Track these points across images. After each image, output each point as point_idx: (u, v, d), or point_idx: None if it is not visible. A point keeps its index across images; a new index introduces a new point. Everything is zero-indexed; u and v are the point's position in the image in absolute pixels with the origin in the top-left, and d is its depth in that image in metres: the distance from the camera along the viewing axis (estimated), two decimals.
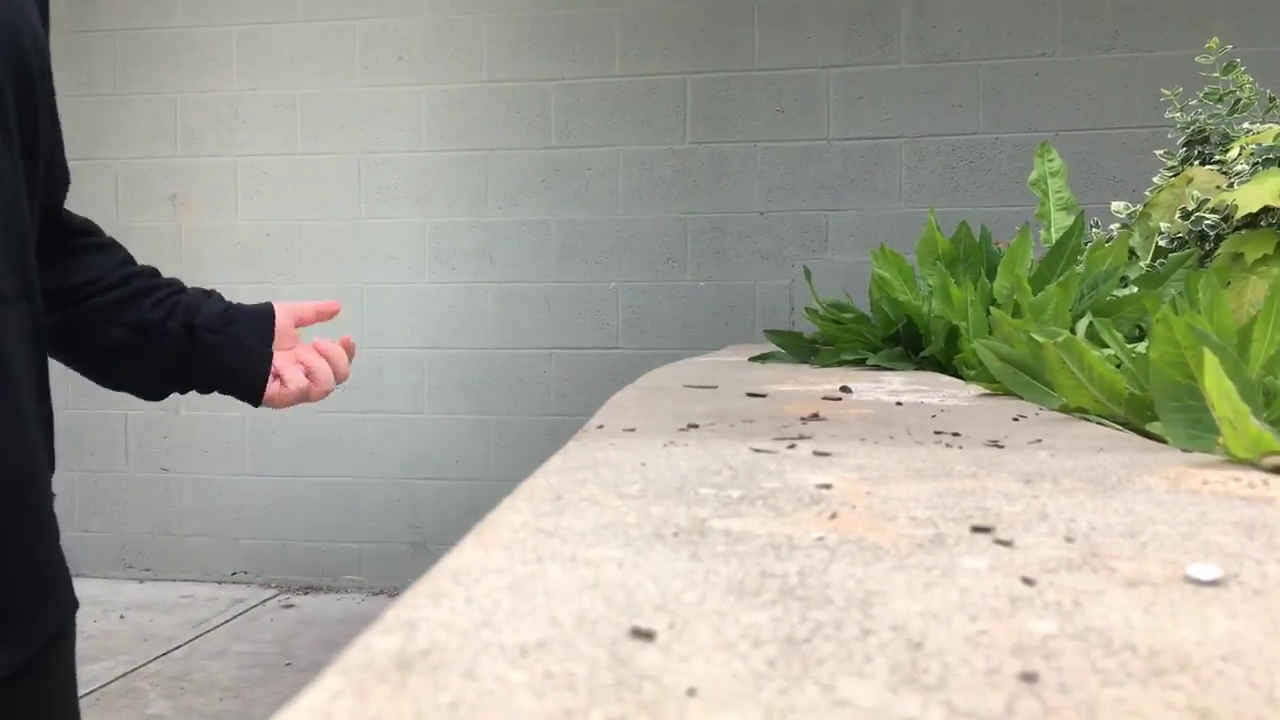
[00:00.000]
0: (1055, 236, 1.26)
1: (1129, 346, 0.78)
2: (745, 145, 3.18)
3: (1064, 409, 0.71)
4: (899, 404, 0.78)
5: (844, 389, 0.99)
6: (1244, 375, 0.52)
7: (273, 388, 0.94)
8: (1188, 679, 0.21)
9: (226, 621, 3.03)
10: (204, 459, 3.34)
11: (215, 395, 0.95)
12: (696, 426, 0.61)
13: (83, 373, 0.92)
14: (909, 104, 3.10)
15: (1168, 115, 1.45)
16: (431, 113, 3.31)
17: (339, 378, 0.99)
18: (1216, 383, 0.46)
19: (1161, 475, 0.45)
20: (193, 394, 0.95)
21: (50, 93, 0.79)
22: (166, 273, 0.95)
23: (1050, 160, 1.33)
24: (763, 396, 0.82)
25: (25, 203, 0.74)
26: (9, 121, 0.71)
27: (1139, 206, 1.38)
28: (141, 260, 0.94)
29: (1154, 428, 0.59)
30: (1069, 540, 0.33)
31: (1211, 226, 1.20)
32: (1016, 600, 0.26)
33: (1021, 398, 0.77)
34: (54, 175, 0.83)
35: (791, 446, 0.53)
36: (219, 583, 3.41)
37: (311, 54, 3.35)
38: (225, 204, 3.40)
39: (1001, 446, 0.54)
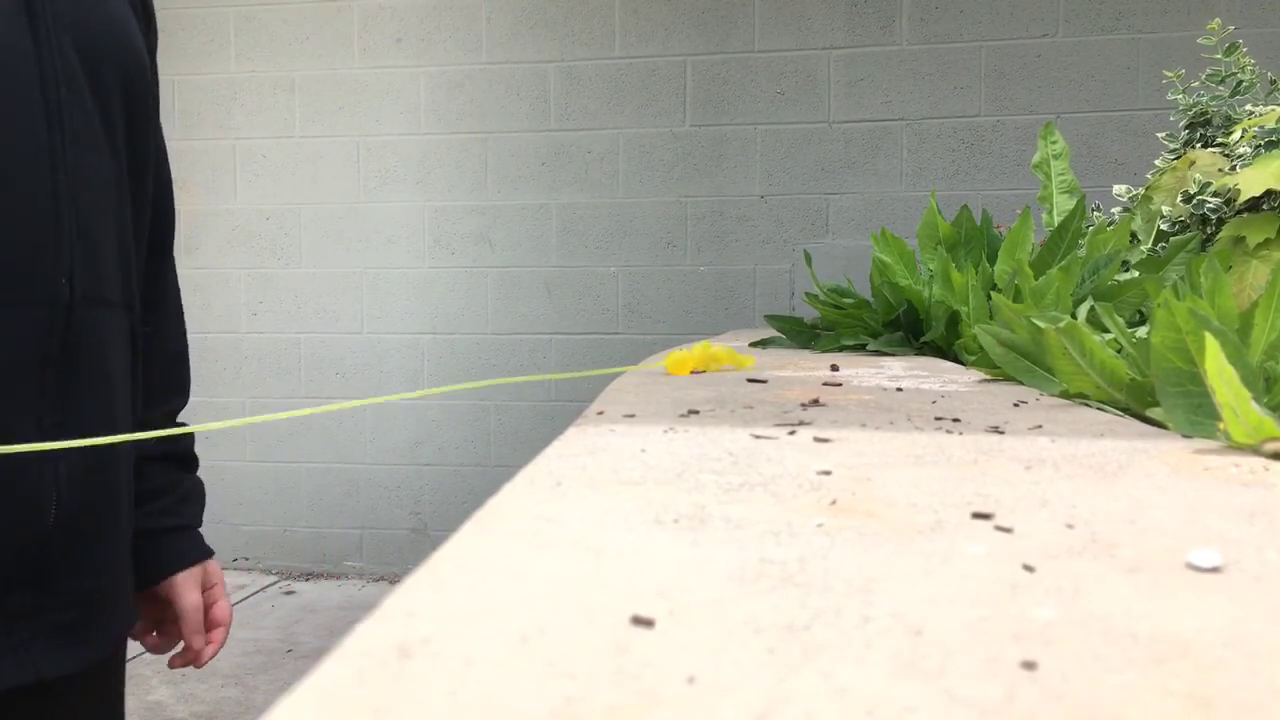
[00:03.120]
0: (1057, 220, 1.25)
1: (1130, 331, 0.78)
2: (745, 128, 3.16)
3: (1065, 394, 0.70)
4: (899, 390, 0.78)
5: (833, 368, 0.99)
6: (1245, 360, 0.52)
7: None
8: (1188, 666, 0.21)
9: None
10: (204, 445, 3.35)
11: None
12: (697, 412, 0.61)
13: None
14: (910, 86, 3.09)
15: (1170, 97, 1.44)
16: (430, 95, 3.30)
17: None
18: (1218, 368, 0.46)
19: (1162, 461, 0.45)
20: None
21: (156, 115, 0.87)
22: None
23: (1054, 142, 1.33)
24: (763, 382, 0.82)
25: (131, 218, 0.81)
26: (117, 141, 0.78)
27: (1141, 190, 1.38)
28: None
29: (1155, 413, 0.59)
30: (1069, 526, 0.33)
31: (1213, 210, 1.20)
32: (1016, 587, 0.26)
33: (1022, 383, 0.77)
34: (160, 206, 0.90)
35: (792, 433, 0.53)
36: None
37: (310, 35, 3.34)
38: (223, 187, 3.38)
39: (1002, 432, 0.54)
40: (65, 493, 0.72)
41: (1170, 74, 1.48)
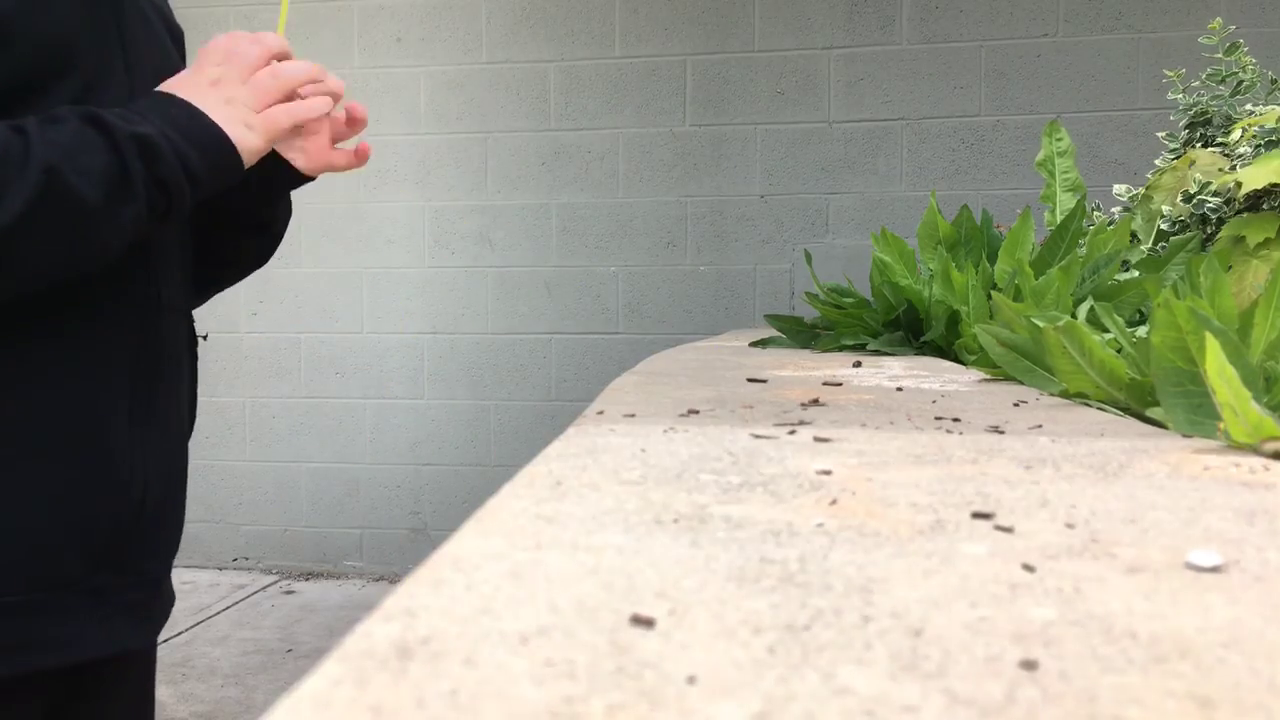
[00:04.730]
0: (1060, 218, 1.25)
1: (1130, 331, 0.78)
2: (745, 128, 3.16)
3: (1065, 394, 0.70)
4: (899, 389, 0.78)
5: (856, 364, 0.99)
6: (1245, 360, 0.52)
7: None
8: (1188, 666, 0.21)
9: (228, 608, 3.04)
10: (204, 444, 3.35)
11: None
12: (697, 412, 0.61)
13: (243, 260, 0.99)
14: (910, 86, 3.09)
15: (1170, 97, 1.44)
16: (430, 95, 3.30)
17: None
18: (1218, 367, 0.46)
19: (1162, 461, 0.45)
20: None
21: None
22: None
23: (1059, 139, 1.32)
24: (763, 382, 0.82)
25: (179, 231, 0.87)
26: None
27: (1141, 190, 1.38)
28: None
29: (1155, 413, 0.59)
30: (1069, 526, 0.33)
31: (1213, 210, 1.20)
32: (1017, 587, 0.26)
33: (1022, 383, 0.77)
34: None
35: (792, 432, 0.53)
36: (220, 569, 3.42)
37: (310, 35, 3.34)
38: None
39: (1002, 432, 0.54)
40: (151, 482, 0.79)
41: (1170, 74, 1.48)
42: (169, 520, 0.84)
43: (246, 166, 0.76)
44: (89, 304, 0.74)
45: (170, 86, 0.75)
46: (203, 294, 0.97)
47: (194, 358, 0.91)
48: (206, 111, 0.73)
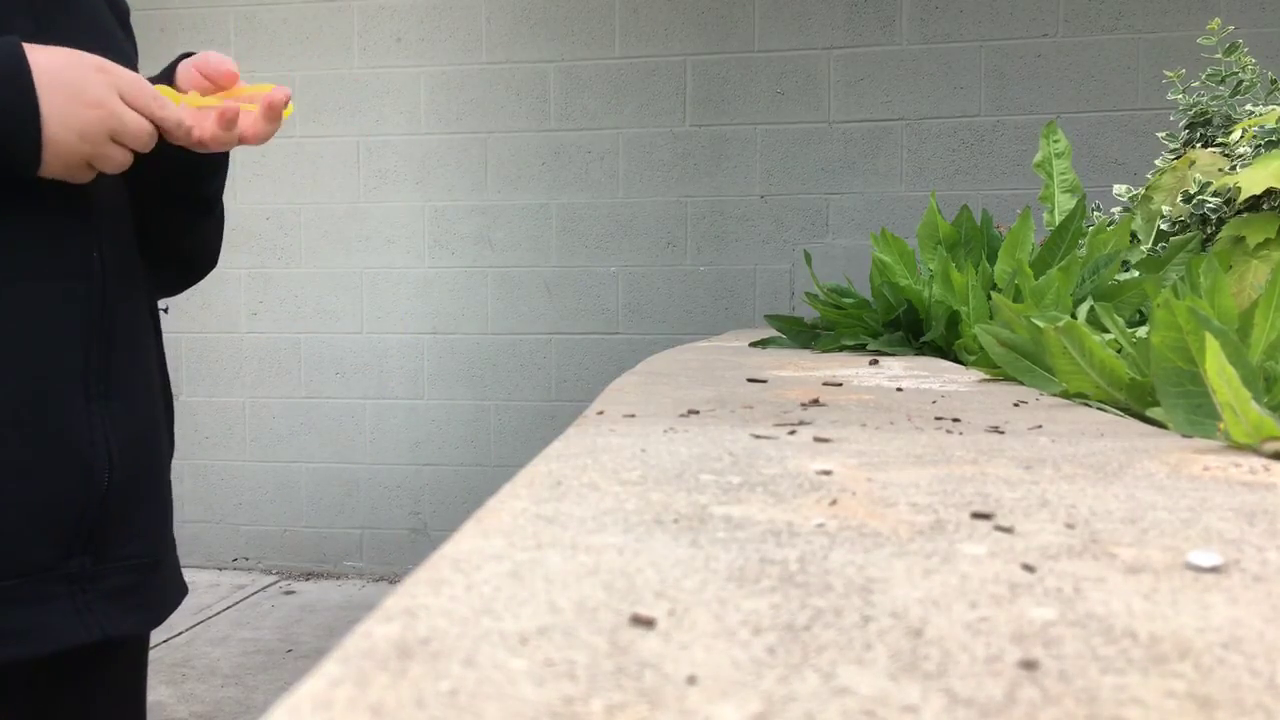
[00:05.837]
0: (1059, 219, 1.25)
1: (1130, 331, 0.78)
2: (746, 128, 3.16)
3: (1065, 394, 0.70)
4: (899, 390, 0.78)
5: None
6: (1245, 360, 0.52)
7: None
8: (1188, 666, 0.21)
9: (228, 608, 3.04)
10: (204, 444, 3.35)
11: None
12: (697, 412, 0.61)
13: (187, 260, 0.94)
14: (910, 86, 3.09)
15: (1170, 97, 1.44)
16: (430, 95, 3.30)
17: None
18: (1218, 368, 0.46)
19: (1162, 461, 0.45)
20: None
21: None
22: None
23: (1056, 141, 1.33)
24: (763, 382, 0.82)
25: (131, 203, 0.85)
26: None
27: (1141, 190, 1.38)
28: None
29: (1155, 413, 0.59)
30: (1069, 526, 0.33)
31: (1213, 210, 1.20)
32: (1017, 587, 0.26)
33: (1022, 383, 0.77)
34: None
35: (792, 432, 0.53)
36: (220, 569, 3.42)
37: (310, 35, 3.34)
38: None
39: (1002, 432, 0.54)
40: (116, 460, 0.77)
41: (1170, 74, 1.48)
42: (147, 500, 0.82)
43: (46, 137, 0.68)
44: (26, 276, 0.72)
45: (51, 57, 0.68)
46: (164, 278, 0.92)
47: (158, 332, 0.89)
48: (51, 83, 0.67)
